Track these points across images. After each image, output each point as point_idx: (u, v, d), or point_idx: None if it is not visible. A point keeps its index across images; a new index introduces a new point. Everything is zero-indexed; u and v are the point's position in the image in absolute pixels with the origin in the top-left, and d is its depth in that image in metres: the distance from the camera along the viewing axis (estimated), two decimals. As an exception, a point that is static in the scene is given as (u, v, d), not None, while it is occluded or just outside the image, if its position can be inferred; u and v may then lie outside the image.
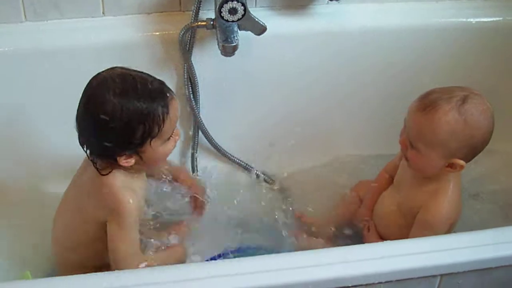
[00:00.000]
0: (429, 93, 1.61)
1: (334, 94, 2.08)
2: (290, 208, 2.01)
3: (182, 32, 1.85)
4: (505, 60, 2.13)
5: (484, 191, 2.05)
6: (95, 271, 1.46)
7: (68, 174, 1.69)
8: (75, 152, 1.62)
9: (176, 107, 1.52)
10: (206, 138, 2.05)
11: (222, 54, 1.81)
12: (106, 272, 1.39)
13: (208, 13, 1.90)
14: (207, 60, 1.93)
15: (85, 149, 1.53)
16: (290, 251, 1.80)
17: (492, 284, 1.45)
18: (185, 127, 2.05)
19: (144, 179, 1.63)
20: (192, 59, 1.91)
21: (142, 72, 1.51)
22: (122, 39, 1.88)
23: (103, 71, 1.50)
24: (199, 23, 1.84)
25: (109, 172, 1.53)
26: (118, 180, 1.54)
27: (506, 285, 1.46)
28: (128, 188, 1.54)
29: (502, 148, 2.07)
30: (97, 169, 1.52)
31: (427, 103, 1.58)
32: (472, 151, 1.60)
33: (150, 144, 1.49)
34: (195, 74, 1.93)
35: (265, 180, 2.10)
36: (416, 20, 2.05)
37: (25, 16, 1.85)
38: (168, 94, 1.50)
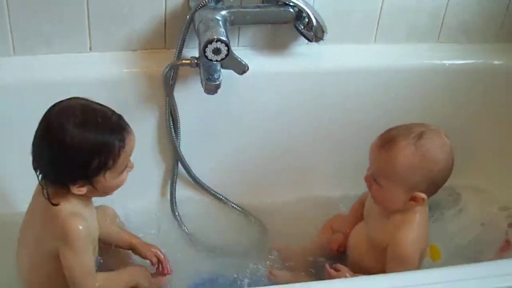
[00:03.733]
0: (389, 130, 1.68)
1: (313, 134, 2.12)
2: (266, 241, 2.05)
3: (167, 69, 1.89)
4: (477, 99, 2.18)
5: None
6: None
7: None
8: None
9: (133, 142, 1.53)
10: (185, 171, 2.07)
11: (205, 92, 1.83)
12: None
13: (192, 51, 1.93)
14: (189, 96, 1.96)
15: (37, 173, 1.53)
16: (267, 284, 1.84)
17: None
18: (166, 160, 2.07)
19: (93, 208, 1.63)
20: (175, 95, 1.94)
21: (102, 105, 1.51)
22: (107, 75, 1.90)
23: (64, 100, 1.50)
24: (184, 61, 1.87)
25: (59, 204, 1.52)
26: (67, 207, 1.52)
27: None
28: (77, 214, 1.52)
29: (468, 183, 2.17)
30: (47, 198, 1.51)
31: (387, 140, 1.65)
32: (432, 185, 1.65)
33: (104, 175, 1.51)
34: (177, 109, 1.95)
35: (242, 213, 2.13)
36: (392, 61, 2.10)
37: (14, 50, 1.87)
38: (126, 128, 1.52)
